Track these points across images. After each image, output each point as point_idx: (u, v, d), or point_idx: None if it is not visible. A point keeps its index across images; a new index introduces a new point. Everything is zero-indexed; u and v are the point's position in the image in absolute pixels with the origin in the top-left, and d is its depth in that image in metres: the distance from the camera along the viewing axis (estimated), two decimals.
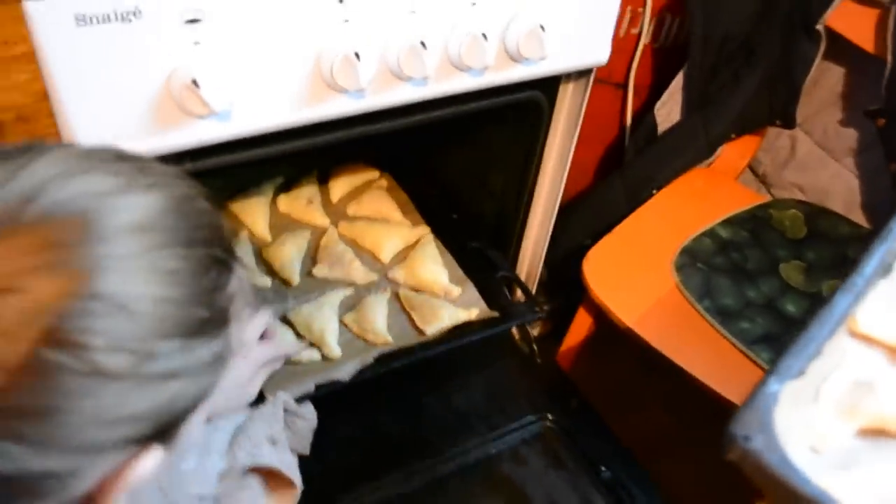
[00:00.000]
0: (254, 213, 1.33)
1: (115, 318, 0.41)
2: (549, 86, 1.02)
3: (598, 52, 0.97)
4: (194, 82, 0.69)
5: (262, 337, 0.97)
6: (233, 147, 0.81)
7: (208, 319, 0.46)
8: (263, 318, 0.95)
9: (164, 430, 0.46)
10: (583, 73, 1.03)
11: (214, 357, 0.48)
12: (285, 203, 1.38)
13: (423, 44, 0.78)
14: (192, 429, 0.53)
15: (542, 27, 0.84)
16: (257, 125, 0.78)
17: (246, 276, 0.56)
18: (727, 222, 1.32)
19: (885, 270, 0.61)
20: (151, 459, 0.46)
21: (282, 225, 1.34)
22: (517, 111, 1.05)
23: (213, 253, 0.48)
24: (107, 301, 0.41)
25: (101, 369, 0.41)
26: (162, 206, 0.45)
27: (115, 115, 0.71)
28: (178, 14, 0.68)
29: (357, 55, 0.75)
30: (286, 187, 1.41)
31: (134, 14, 0.66)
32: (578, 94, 1.05)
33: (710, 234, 1.29)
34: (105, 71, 0.68)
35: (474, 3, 0.81)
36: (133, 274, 0.42)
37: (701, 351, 1.11)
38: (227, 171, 0.84)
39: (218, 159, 0.82)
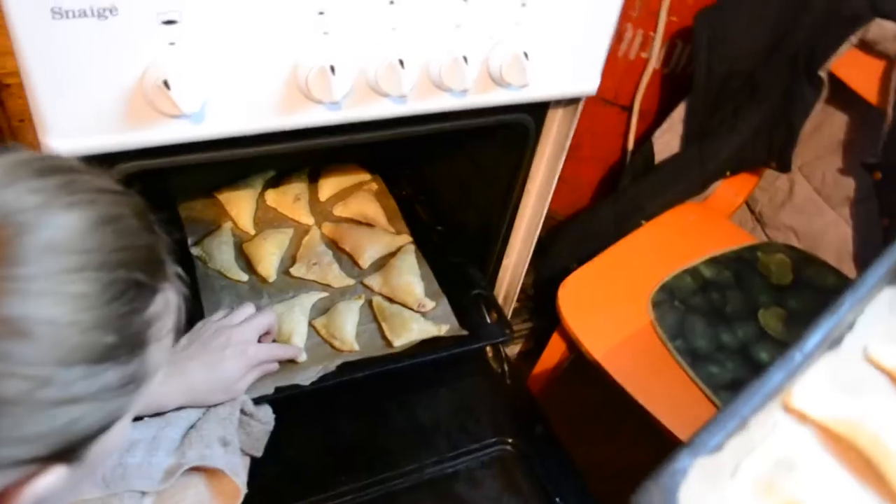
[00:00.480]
0: (240, 205, 1.33)
1: (11, 342, 0.41)
2: (536, 110, 1.01)
3: (586, 81, 0.96)
4: (165, 83, 0.69)
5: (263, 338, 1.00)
6: (208, 146, 0.80)
7: (117, 345, 0.46)
8: (266, 319, 0.99)
9: (65, 451, 0.46)
10: (572, 100, 1.01)
11: (123, 381, 0.47)
12: (273, 197, 1.38)
13: (401, 62, 0.77)
14: (114, 444, 0.53)
15: (525, 55, 0.83)
16: (230, 128, 0.78)
17: (181, 293, 0.55)
18: (712, 261, 1.31)
19: (832, 343, 0.60)
20: (52, 477, 0.46)
21: (267, 219, 1.34)
22: (505, 130, 1.04)
23: (131, 276, 0.47)
24: (5, 325, 0.40)
25: None
26: (79, 227, 0.45)
27: (88, 109, 0.71)
28: (155, 14, 0.68)
29: (332, 68, 0.74)
30: (276, 181, 1.41)
31: (110, 11, 0.66)
32: (567, 119, 1.04)
33: (693, 271, 1.27)
34: (79, 66, 0.68)
35: (458, 26, 0.81)
36: (37, 297, 0.42)
37: (667, 391, 1.10)
38: (215, 162, 0.84)
39: (192, 157, 0.82)
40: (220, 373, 0.91)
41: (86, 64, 0.68)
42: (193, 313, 1.13)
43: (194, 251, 1.24)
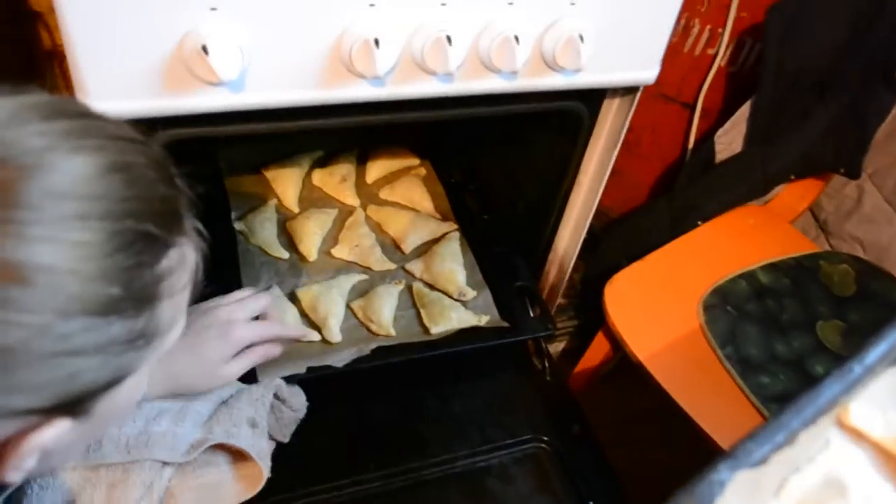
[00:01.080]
0: (286, 183, 1.32)
1: (8, 287, 0.39)
2: (592, 98, 0.97)
3: (645, 70, 0.91)
4: (204, 48, 0.67)
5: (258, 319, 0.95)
6: (248, 117, 0.79)
7: (122, 297, 0.44)
8: (259, 303, 0.92)
9: (69, 404, 0.45)
10: (630, 90, 0.97)
11: (131, 336, 0.45)
12: (320, 177, 1.36)
13: (448, 38, 0.74)
14: (126, 402, 0.52)
15: (580, 37, 0.79)
16: (268, 99, 0.76)
17: (200, 249, 0.53)
18: (770, 267, 1.24)
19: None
20: (55, 430, 0.45)
21: (312, 199, 1.33)
22: (557, 118, 1.00)
23: (140, 227, 0.45)
24: (2, 268, 0.39)
25: None
26: (84, 173, 0.43)
27: (127, 74, 0.70)
28: None
29: (377, 41, 0.71)
30: (324, 162, 1.40)
31: None
32: (623, 110, 1.00)
33: (749, 276, 1.22)
34: (119, 29, 0.67)
35: (511, 3, 0.77)
36: (36, 242, 0.40)
37: (713, 399, 1.05)
38: (264, 138, 0.82)
39: (231, 128, 0.80)
40: (202, 355, 0.84)
41: (126, 27, 0.67)
42: (231, 286, 1.13)
43: (237, 226, 1.23)
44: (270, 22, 0.70)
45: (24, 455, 0.45)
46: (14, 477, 0.47)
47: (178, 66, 0.70)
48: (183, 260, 0.50)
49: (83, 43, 0.67)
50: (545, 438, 1.10)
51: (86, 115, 0.47)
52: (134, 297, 0.45)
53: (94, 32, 0.66)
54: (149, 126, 0.73)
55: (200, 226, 0.53)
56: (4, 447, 0.45)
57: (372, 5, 0.72)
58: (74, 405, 0.45)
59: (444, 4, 0.75)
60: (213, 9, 0.68)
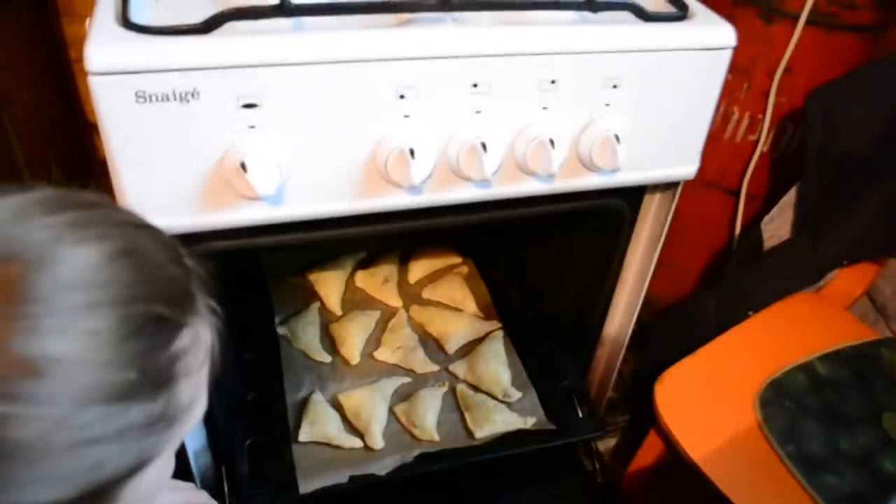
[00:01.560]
0: (329, 285, 1.33)
1: (23, 382, 0.39)
2: (632, 194, 0.96)
3: (683, 165, 0.90)
4: (242, 165, 0.68)
5: None
6: (288, 228, 0.79)
7: (139, 382, 0.43)
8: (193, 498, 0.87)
9: (94, 493, 0.44)
10: (670, 185, 0.96)
11: (151, 419, 0.45)
12: (362, 279, 1.37)
13: (483, 145, 0.74)
14: (151, 485, 0.50)
15: (616, 137, 0.79)
16: (307, 211, 0.77)
17: (215, 327, 0.52)
18: (828, 357, 1.19)
19: None
20: None
21: (355, 300, 1.33)
22: (598, 215, 0.99)
23: (150, 310, 0.44)
24: (16, 364, 0.39)
25: (6, 437, 0.39)
26: (90, 262, 0.43)
27: (169, 190, 0.71)
28: (236, 98, 0.68)
29: (412, 152, 0.72)
30: (367, 263, 1.41)
31: (192, 95, 0.67)
32: (665, 204, 0.99)
33: (806, 368, 1.16)
34: (161, 148, 0.69)
35: (545, 107, 0.78)
36: (48, 335, 0.40)
37: (775, 502, 0.99)
38: (300, 244, 0.83)
39: (271, 238, 0.81)
40: None
41: (167, 146, 0.69)
42: (274, 392, 1.12)
43: (280, 330, 1.24)
44: (307, 137, 0.72)
45: None
46: None
47: (218, 182, 0.71)
48: (197, 339, 0.49)
49: (125, 161, 0.68)
50: None
51: (91, 205, 0.47)
52: (150, 380, 0.44)
53: (136, 151, 0.68)
54: (190, 240, 0.74)
55: (214, 303, 0.52)
56: None
57: (406, 116, 0.73)
58: (100, 494, 0.45)
59: (478, 112, 0.75)
60: (252, 127, 0.70)
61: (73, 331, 0.41)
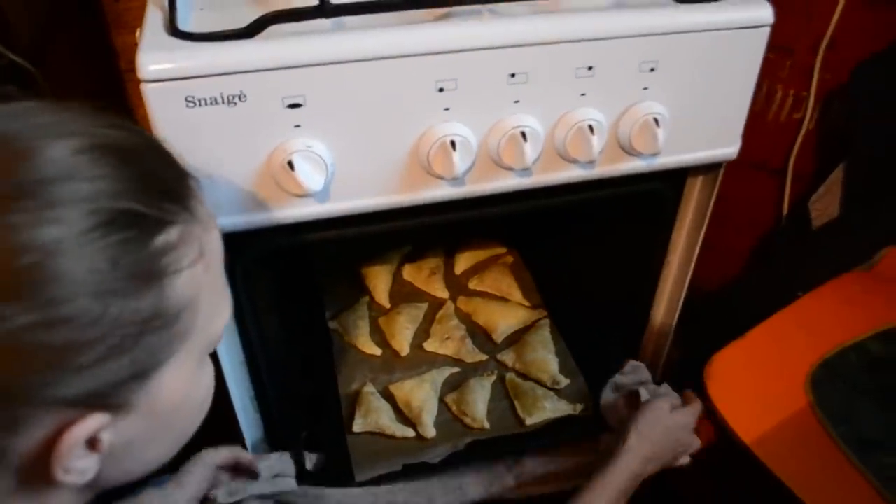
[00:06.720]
0: (377, 279, 1.35)
1: None
2: (674, 177, 0.96)
3: (724, 147, 0.90)
4: (290, 164, 0.70)
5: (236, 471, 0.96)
6: (335, 224, 0.81)
7: (112, 276, 0.43)
8: (220, 456, 0.93)
9: (94, 396, 0.44)
10: (712, 166, 0.96)
11: (138, 317, 0.45)
12: (409, 272, 1.39)
13: (523, 134, 0.75)
14: (178, 392, 0.50)
15: (655, 121, 0.79)
16: (353, 206, 0.79)
17: (209, 221, 0.53)
18: (882, 336, 1.17)
19: None
20: (92, 423, 0.44)
21: (403, 293, 1.35)
22: (641, 200, 0.99)
23: (122, 205, 0.44)
24: None
25: None
26: (59, 156, 0.44)
27: (220, 191, 0.74)
28: (281, 98, 0.70)
29: (453, 143, 0.74)
30: (413, 256, 1.43)
31: (239, 98, 0.69)
32: (707, 186, 0.98)
33: (859, 347, 1.14)
34: (210, 150, 0.71)
35: (584, 94, 0.78)
36: (16, 227, 0.40)
37: (830, 484, 0.97)
38: (353, 238, 0.85)
39: (319, 234, 0.83)
40: None
41: (217, 148, 0.71)
42: (328, 385, 1.15)
43: (331, 325, 1.26)
44: (351, 134, 0.73)
45: (66, 452, 0.44)
46: (70, 478, 0.46)
47: (267, 181, 0.74)
48: (188, 237, 0.49)
49: None
50: None
51: (83, 111, 0.48)
52: (126, 275, 0.44)
53: (187, 154, 0.69)
54: (241, 238, 0.77)
55: (208, 209, 0.54)
56: (48, 449, 0.44)
57: (447, 109, 0.75)
58: (102, 398, 0.45)
59: (516, 102, 0.76)
60: (297, 126, 0.72)
61: (37, 222, 0.41)
